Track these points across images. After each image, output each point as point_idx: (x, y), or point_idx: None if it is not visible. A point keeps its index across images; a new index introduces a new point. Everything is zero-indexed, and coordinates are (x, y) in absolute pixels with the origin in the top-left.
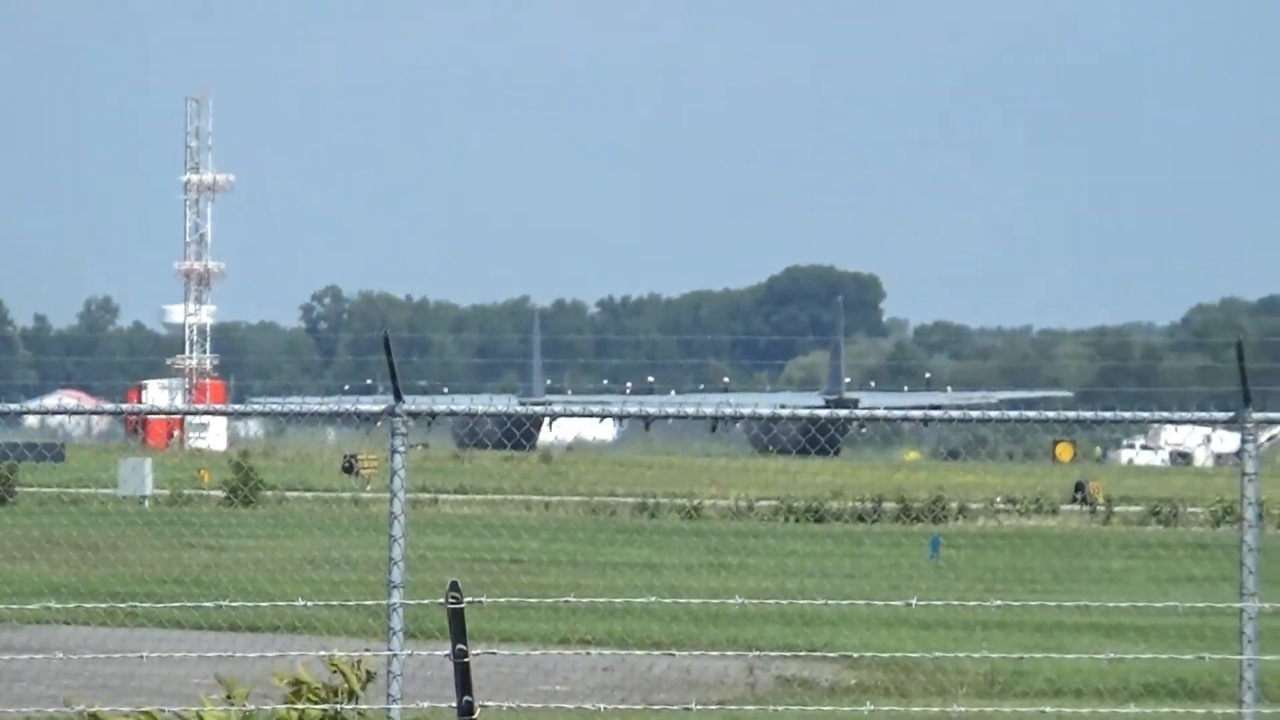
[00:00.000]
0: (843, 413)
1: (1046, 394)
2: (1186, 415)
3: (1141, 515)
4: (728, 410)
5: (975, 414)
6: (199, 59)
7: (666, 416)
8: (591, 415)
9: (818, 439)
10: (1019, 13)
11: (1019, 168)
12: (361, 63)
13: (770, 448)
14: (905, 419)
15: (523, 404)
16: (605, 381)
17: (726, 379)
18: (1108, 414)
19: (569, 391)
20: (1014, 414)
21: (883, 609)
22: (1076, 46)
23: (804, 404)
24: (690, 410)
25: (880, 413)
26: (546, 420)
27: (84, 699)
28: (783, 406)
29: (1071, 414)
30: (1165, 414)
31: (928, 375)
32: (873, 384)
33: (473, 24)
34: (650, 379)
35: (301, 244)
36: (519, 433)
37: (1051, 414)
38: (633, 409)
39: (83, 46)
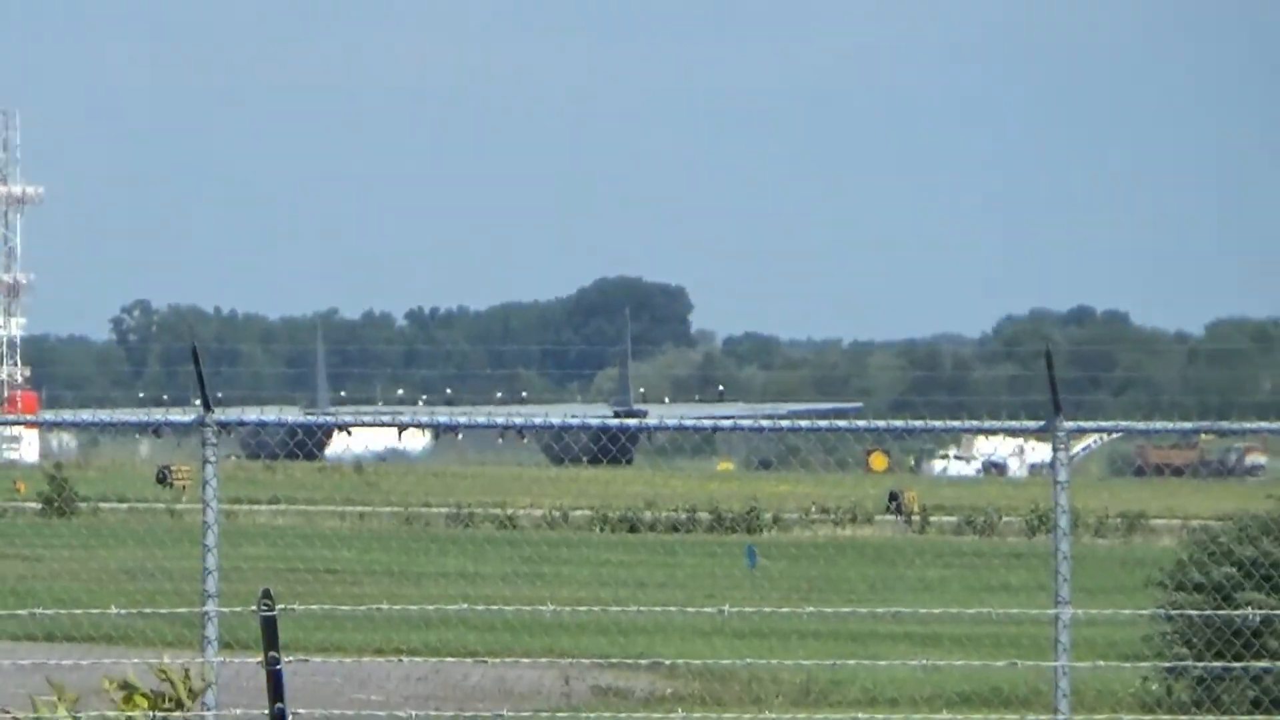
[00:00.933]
0: (631, 423)
1: (841, 405)
2: (998, 425)
3: (956, 525)
4: (517, 420)
5: (782, 424)
6: (3, 70)
7: (456, 428)
8: (381, 425)
9: (609, 448)
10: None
11: (828, 181)
12: (168, 71)
13: (563, 458)
14: (694, 429)
15: (309, 414)
16: (410, 393)
17: (525, 392)
18: (919, 423)
19: (380, 403)
20: (824, 423)
21: (698, 618)
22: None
23: (595, 415)
24: (481, 420)
25: (668, 423)
26: (335, 431)
27: None
28: (572, 417)
29: (882, 423)
30: (977, 423)
31: (720, 388)
32: (666, 399)
33: (277, 29)
34: (449, 390)
35: (110, 257)
36: (310, 442)
37: (863, 423)
38: (423, 419)
39: None
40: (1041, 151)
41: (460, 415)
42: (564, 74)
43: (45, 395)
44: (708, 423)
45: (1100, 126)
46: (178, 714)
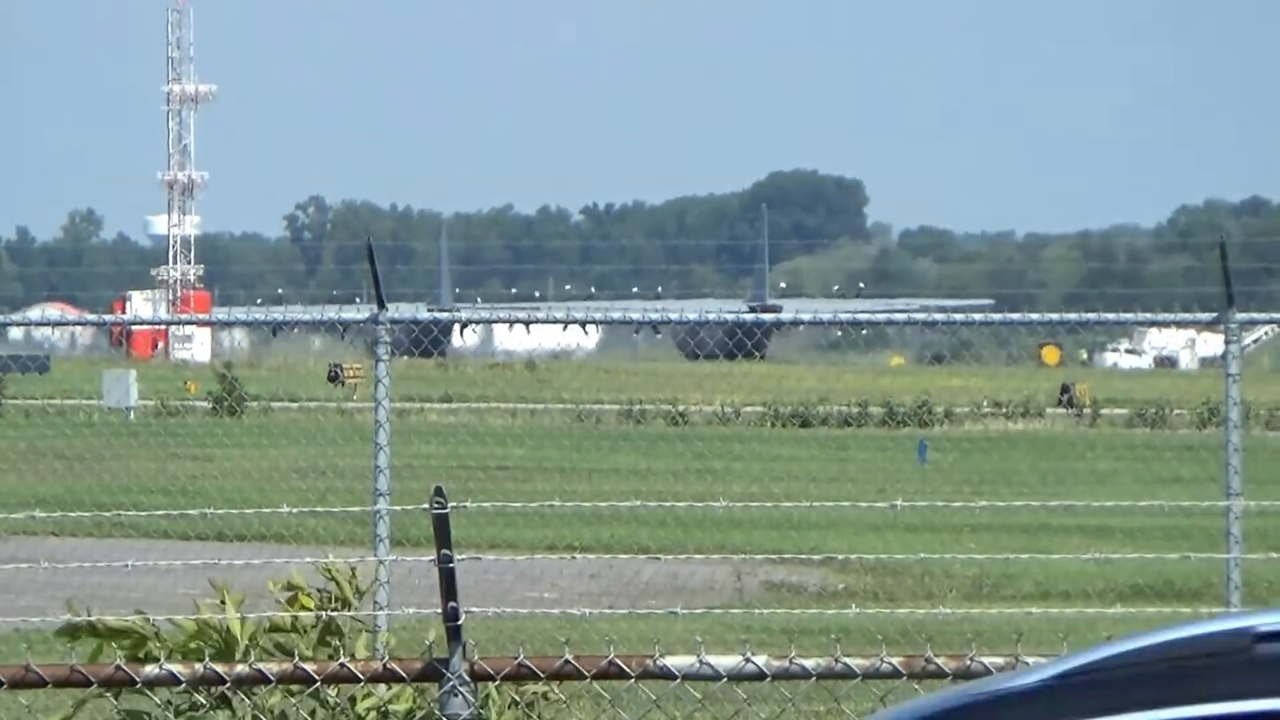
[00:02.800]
0: (768, 317)
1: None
2: (1170, 317)
3: (1128, 418)
4: (654, 316)
5: (960, 316)
6: None
7: (592, 322)
8: (516, 321)
9: (744, 343)
10: None
11: (1002, 72)
12: None
13: (698, 353)
14: (825, 323)
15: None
16: (582, 289)
17: (704, 287)
18: (1092, 316)
19: (550, 299)
20: (998, 317)
21: (869, 513)
22: None
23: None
24: (616, 316)
25: (803, 317)
26: (458, 328)
27: (83, 608)
28: (708, 313)
29: (1055, 316)
30: (1149, 316)
31: (861, 285)
32: (837, 291)
33: None
34: (635, 288)
35: (284, 154)
36: (426, 340)
37: (1035, 316)
38: (559, 315)
39: None
40: (1217, 41)
41: (596, 312)
42: None
43: (218, 294)
44: (845, 316)
45: (1275, 13)
46: (345, 612)
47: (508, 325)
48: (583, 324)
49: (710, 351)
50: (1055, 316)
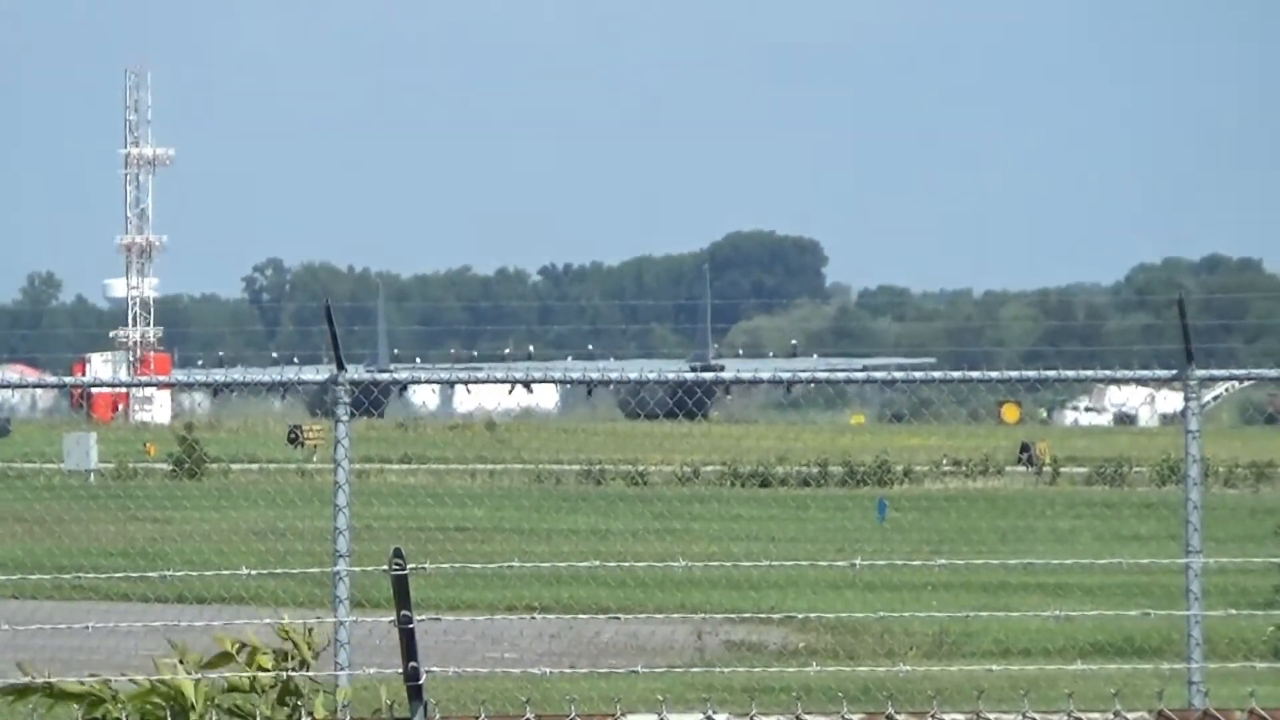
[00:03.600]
0: (708, 376)
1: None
2: (1130, 374)
3: (1087, 475)
4: (594, 375)
5: (919, 375)
6: (136, 31)
7: (528, 383)
8: (444, 381)
9: (685, 402)
10: None
11: (957, 131)
12: (300, 33)
13: (639, 412)
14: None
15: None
16: (542, 350)
17: (662, 347)
18: (1051, 373)
19: (515, 359)
20: (957, 374)
21: (829, 571)
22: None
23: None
24: (556, 375)
25: (743, 376)
26: (403, 389)
27: (36, 670)
28: (650, 372)
29: (1015, 374)
30: (1109, 373)
31: (794, 342)
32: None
33: None
34: (591, 347)
35: (243, 216)
36: (366, 401)
37: (995, 374)
38: (499, 375)
39: (21, 17)
40: (1174, 99)
41: (537, 371)
42: (692, 25)
43: (178, 356)
44: (785, 375)
45: (1234, 72)
46: (304, 672)
47: (462, 386)
48: (523, 384)
49: (651, 411)
50: (1015, 374)
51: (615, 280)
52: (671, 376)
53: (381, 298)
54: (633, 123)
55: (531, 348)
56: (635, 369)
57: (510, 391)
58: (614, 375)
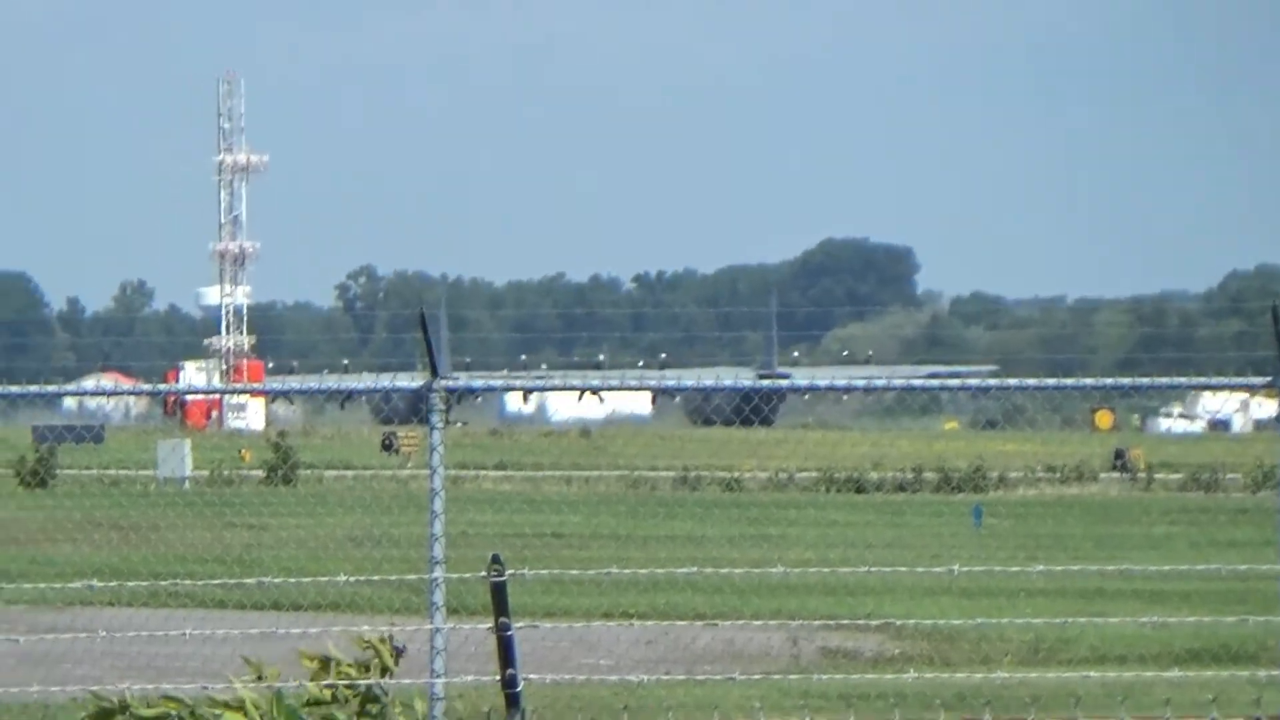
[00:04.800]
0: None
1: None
2: (1223, 381)
3: (1182, 482)
4: (669, 383)
5: (1011, 382)
6: (229, 38)
7: (606, 388)
8: (523, 389)
9: (744, 410)
10: None
11: (1050, 139)
12: (394, 40)
13: (712, 419)
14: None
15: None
16: (635, 356)
17: (757, 355)
18: (1145, 380)
19: (609, 366)
20: (1051, 382)
21: (925, 578)
22: (1105, 6)
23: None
24: (633, 382)
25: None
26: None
27: (123, 680)
28: (712, 380)
29: (1109, 381)
30: (1202, 379)
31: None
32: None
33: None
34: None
35: (336, 223)
36: (423, 407)
37: (1089, 381)
38: (575, 382)
39: (115, 27)
40: (1271, 104)
41: (613, 379)
42: (787, 33)
43: (271, 363)
44: (842, 383)
45: None
46: (385, 680)
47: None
48: (594, 390)
49: (722, 418)
50: (1109, 381)
51: (709, 288)
52: (745, 383)
53: (443, 306)
54: (727, 130)
55: (635, 358)
56: (703, 377)
57: (580, 399)
58: (669, 383)
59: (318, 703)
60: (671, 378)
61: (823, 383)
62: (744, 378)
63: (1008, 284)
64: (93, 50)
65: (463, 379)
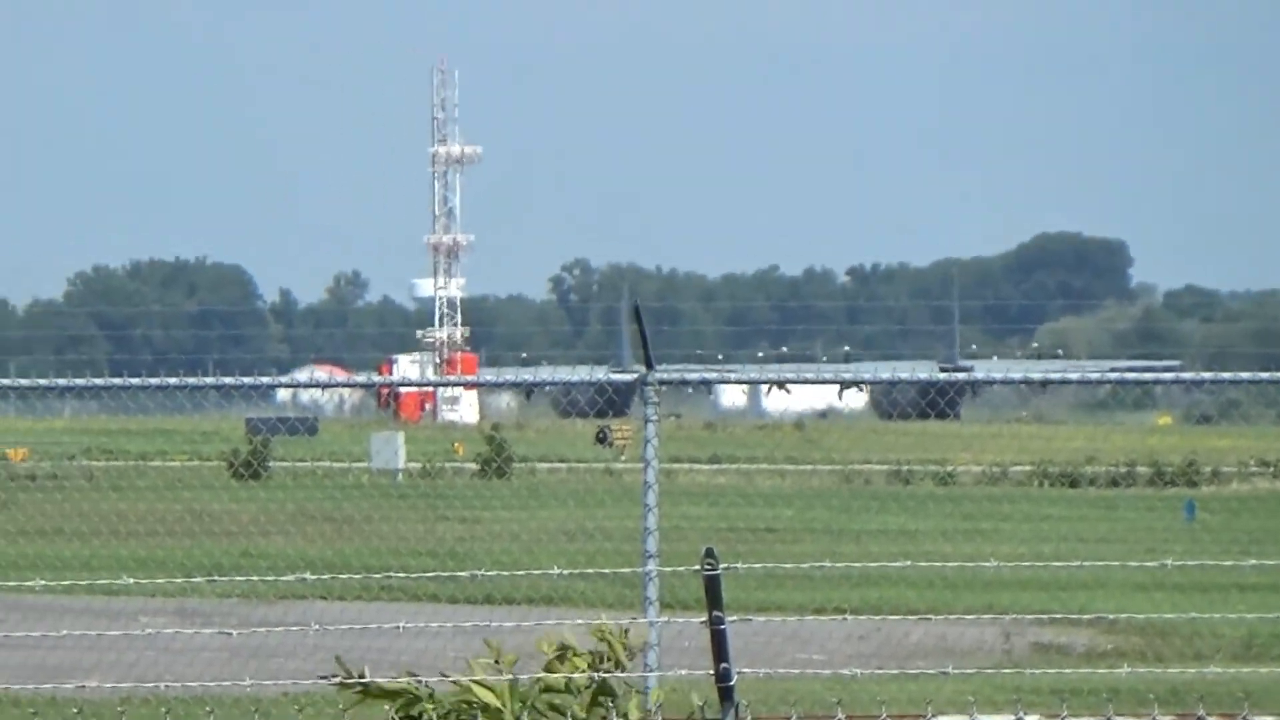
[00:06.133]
0: (960, 377)
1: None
2: None
3: None
4: (846, 376)
5: (1226, 376)
6: (443, 29)
7: (781, 382)
8: (708, 382)
9: (938, 402)
10: None
11: (1264, 128)
12: (606, 30)
13: (889, 413)
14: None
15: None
16: (852, 350)
17: (974, 345)
18: None
19: (824, 359)
20: (1266, 375)
21: (1137, 572)
22: None
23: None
24: (810, 375)
25: (994, 376)
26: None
27: (352, 667)
28: (897, 373)
29: None
30: None
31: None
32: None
33: None
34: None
35: (550, 215)
36: (602, 401)
37: None
38: (752, 374)
39: (328, 19)
40: None
41: (788, 372)
42: (998, 24)
43: (485, 355)
44: (1037, 375)
45: None
46: (618, 673)
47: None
48: (780, 384)
49: (902, 411)
50: None
51: (923, 281)
52: (918, 376)
53: (626, 296)
54: (942, 123)
55: (848, 348)
56: (886, 370)
57: (767, 393)
58: (846, 375)
59: (552, 690)
60: (854, 371)
61: (1014, 375)
62: (920, 372)
63: (1222, 277)
64: (308, 41)
65: (676, 372)
